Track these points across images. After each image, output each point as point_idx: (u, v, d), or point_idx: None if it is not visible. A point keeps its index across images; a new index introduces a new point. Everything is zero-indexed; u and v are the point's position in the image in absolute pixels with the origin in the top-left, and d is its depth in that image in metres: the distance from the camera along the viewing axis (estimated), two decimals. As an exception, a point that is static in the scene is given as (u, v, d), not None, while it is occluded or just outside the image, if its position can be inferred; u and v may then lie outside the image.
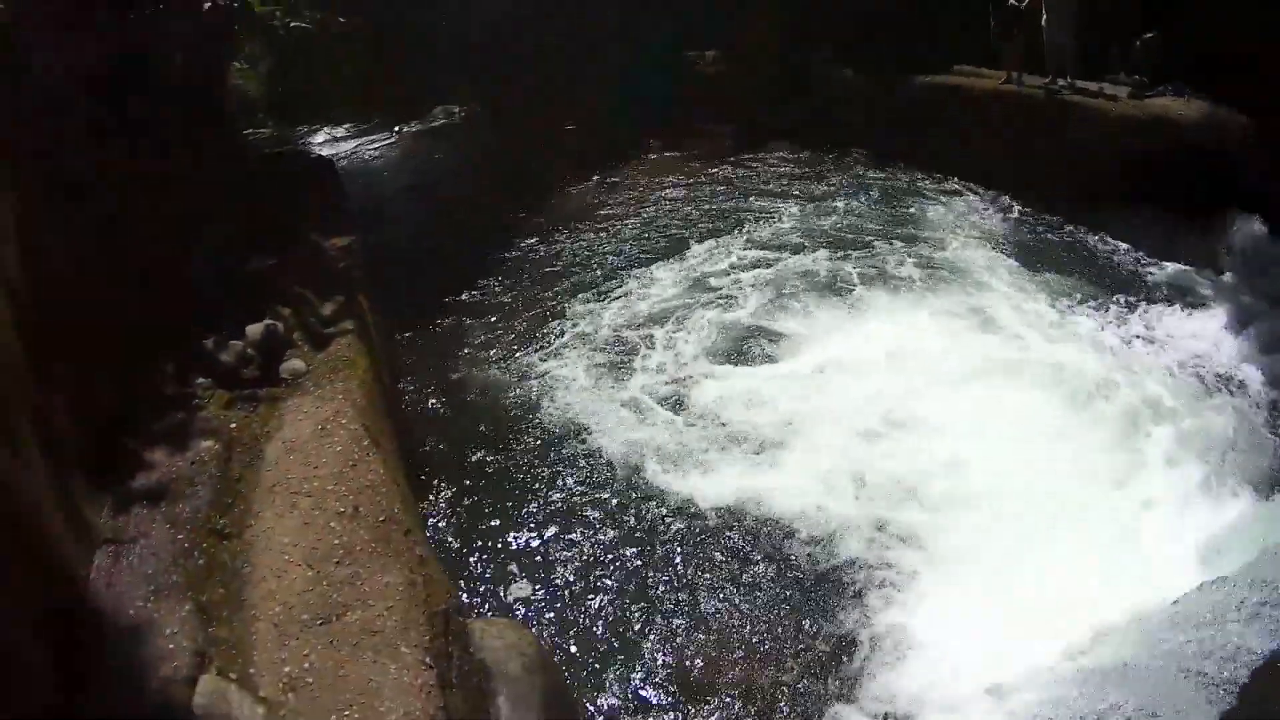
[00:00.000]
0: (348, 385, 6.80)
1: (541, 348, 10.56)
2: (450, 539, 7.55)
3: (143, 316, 6.61)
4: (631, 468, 8.38)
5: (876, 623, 6.73)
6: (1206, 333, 10.28)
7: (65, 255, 5.63)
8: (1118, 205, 12.62)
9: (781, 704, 6.14)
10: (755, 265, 12.54)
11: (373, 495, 5.61)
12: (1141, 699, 5.54)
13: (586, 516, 7.80)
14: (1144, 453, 8.32)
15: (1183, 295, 11.20)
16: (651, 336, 10.70)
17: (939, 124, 15.78)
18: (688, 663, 6.44)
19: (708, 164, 17.00)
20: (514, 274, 12.61)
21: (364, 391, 6.88)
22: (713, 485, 8.15)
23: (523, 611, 6.85)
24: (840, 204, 14.74)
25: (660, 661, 6.44)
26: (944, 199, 14.66)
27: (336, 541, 5.18)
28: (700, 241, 13.44)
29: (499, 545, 7.52)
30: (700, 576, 7.18)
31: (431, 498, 7.98)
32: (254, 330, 6.96)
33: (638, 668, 6.39)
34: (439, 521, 7.73)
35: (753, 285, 11.94)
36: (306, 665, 4.35)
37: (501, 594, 7.03)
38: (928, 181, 15.43)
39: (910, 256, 12.53)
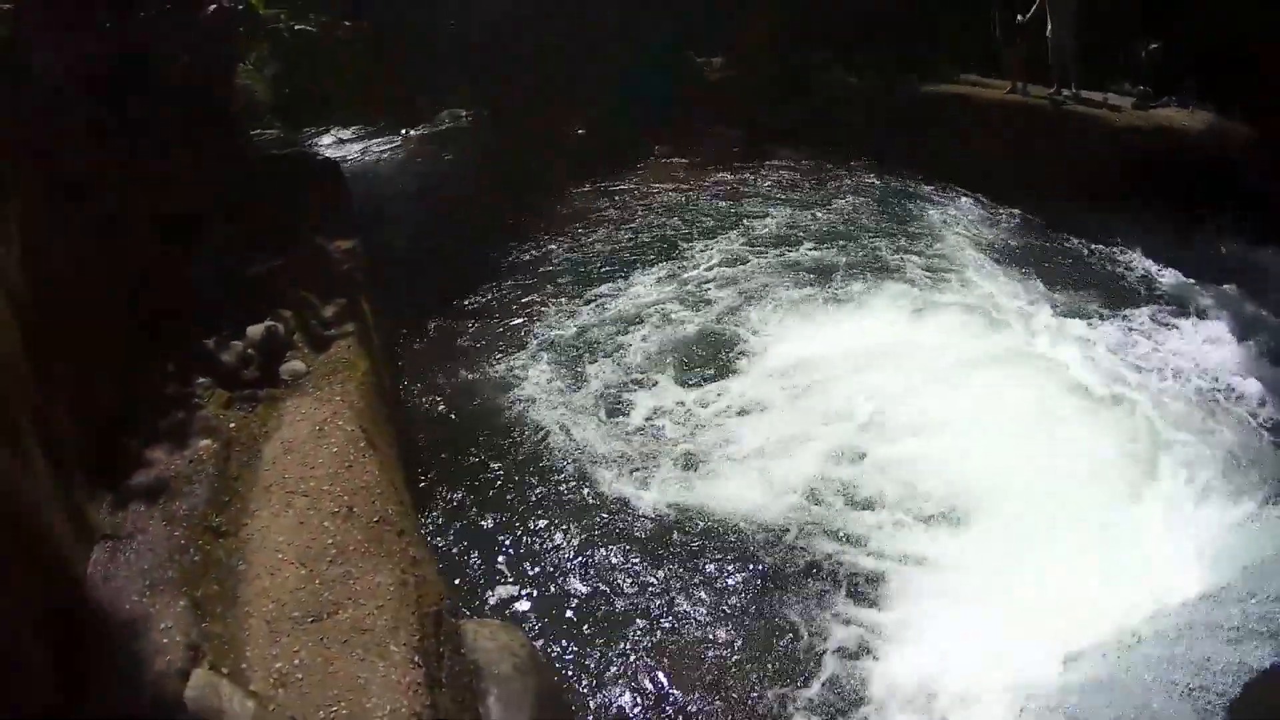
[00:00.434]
0: (346, 387, 6.89)
1: (542, 351, 10.58)
2: (446, 540, 7.58)
3: (143, 316, 6.71)
4: (633, 473, 8.41)
5: (865, 625, 6.72)
6: (1206, 341, 10.24)
7: (66, 255, 5.71)
8: (1120, 214, 12.55)
9: (773, 704, 6.16)
10: (756, 266, 12.55)
11: (367, 496, 5.69)
12: (1133, 711, 5.58)
13: (585, 521, 7.81)
14: (1142, 461, 8.28)
15: (1183, 304, 11.15)
16: (655, 340, 10.70)
17: (942, 129, 15.73)
18: (683, 669, 6.42)
19: (710, 167, 16.98)
20: (516, 277, 12.63)
21: (363, 394, 6.96)
22: (716, 490, 8.16)
23: (517, 613, 6.86)
24: (839, 208, 14.71)
25: (654, 667, 6.43)
26: (945, 205, 14.61)
27: (330, 541, 5.25)
28: (701, 243, 13.47)
29: (495, 547, 7.54)
30: (696, 582, 7.18)
31: (429, 499, 8.00)
32: (255, 331, 7.05)
33: (631, 672, 6.40)
34: (435, 523, 7.76)
35: (753, 283, 12.00)
36: (297, 661, 4.44)
37: (496, 595, 7.04)
38: (929, 187, 15.34)
39: (908, 259, 12.50)
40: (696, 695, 6.24)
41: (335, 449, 6.10)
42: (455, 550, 7.51)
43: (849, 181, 15.88)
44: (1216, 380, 9.54)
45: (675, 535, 7.64)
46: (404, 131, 20.25)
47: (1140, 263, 12.33)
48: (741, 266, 12.62)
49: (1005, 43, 15.15)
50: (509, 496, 8.17)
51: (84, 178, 6.24)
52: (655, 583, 7.17)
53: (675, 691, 6.26)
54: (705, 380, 9.84)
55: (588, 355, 10.43)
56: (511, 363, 10.33)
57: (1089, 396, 9.28)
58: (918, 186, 15.46)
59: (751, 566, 7.31)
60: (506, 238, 13.97)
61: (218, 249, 7.82)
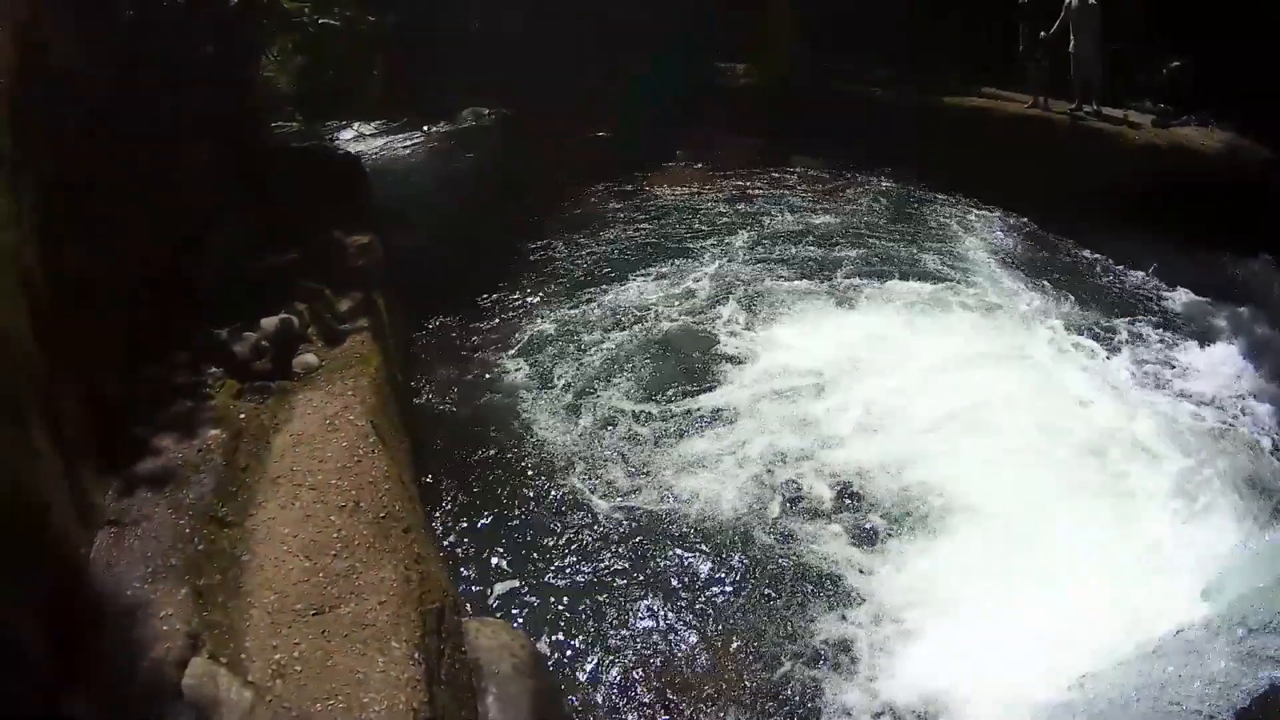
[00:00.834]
0: (359, 382, 6.90)
1: (556, 351, 10.57)
2: (451, 537, 7.57)
3: (155, 306, 6.72)
4: (643, 476, 8.38)
5: (858, 647, 6.64)
6: (1216, 361, 10.18)
7: (79, 243, 5.72)
8: (1135, 232, 12.47)
9: (773, 711, 6.14)
10: (768, 270, 12.60)
11: (375, 491, 5.69)
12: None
13: (590, 523, 7.79)
14: (1146, 481, 8.19)
15: (1195, 323, 11.12)
16: (670, 341, 10.70)
17: (962, 143, 15.65)
18: (683, 673, 6.39)
19: (730, 174, 16.96)
20: (533, 276, 12.62)
21: (374, 388, 6.97)
22: (724, 493, 8.13)
23: (519, 612, 6.83)
24: (854, 217, 14.72)
25: (655, 670, 6.40)
26: (962, 217, 14.56)
27: (336, 535, 5.26)
28: (719, 244, 13.53)
29: (499, 546, 7.52)
30: (699, 587, 7.15)
31: (436, 496, 8.00)
32: (269, 323, 7.07)
33: (631, 675, 6.36)
34: (441, 519, 7.76)
35: (764, 286, 12.05)
36: (296, 653, 4.44)
37: (498, 594, 7.03)
38: (946, 198, 15.33)
39: (920, 271, 12.49)
40: (695, 700, 6.20)
41: (345, 443, 6.11)
42: (459, 547, 7.50)
43: (866, 191, 15.88)
44: (1225, 401, 9.50)
45: (681, 540, 7.60)
46: (426, 128, 20.25)
47: (1153, 281, 12.32)
48: (762, 268, 12.70)
49: (1028, 57, 15.14)
50: (516, 496, 8.15)
51: (100, 167, 6.26)
52: (658, 586, 7.14)
53: (674, 695, 6.22)
54: (716, 382, 9.83)
55: (602, 356, 10.40)
56: (524, 361, 10.32)
57: (1093, 413, 9.23)
58: (935, 198, 15.43)
59: (756, 572, 7.27)
60: (525, 237, 13.98)
61: (233, 240, 7.84)
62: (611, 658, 6.51)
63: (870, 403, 9.29)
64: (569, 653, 6.54)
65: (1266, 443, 8.79)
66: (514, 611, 6.86)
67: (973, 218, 14.53)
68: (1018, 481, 8.16)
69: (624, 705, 6.18)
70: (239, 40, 9.27)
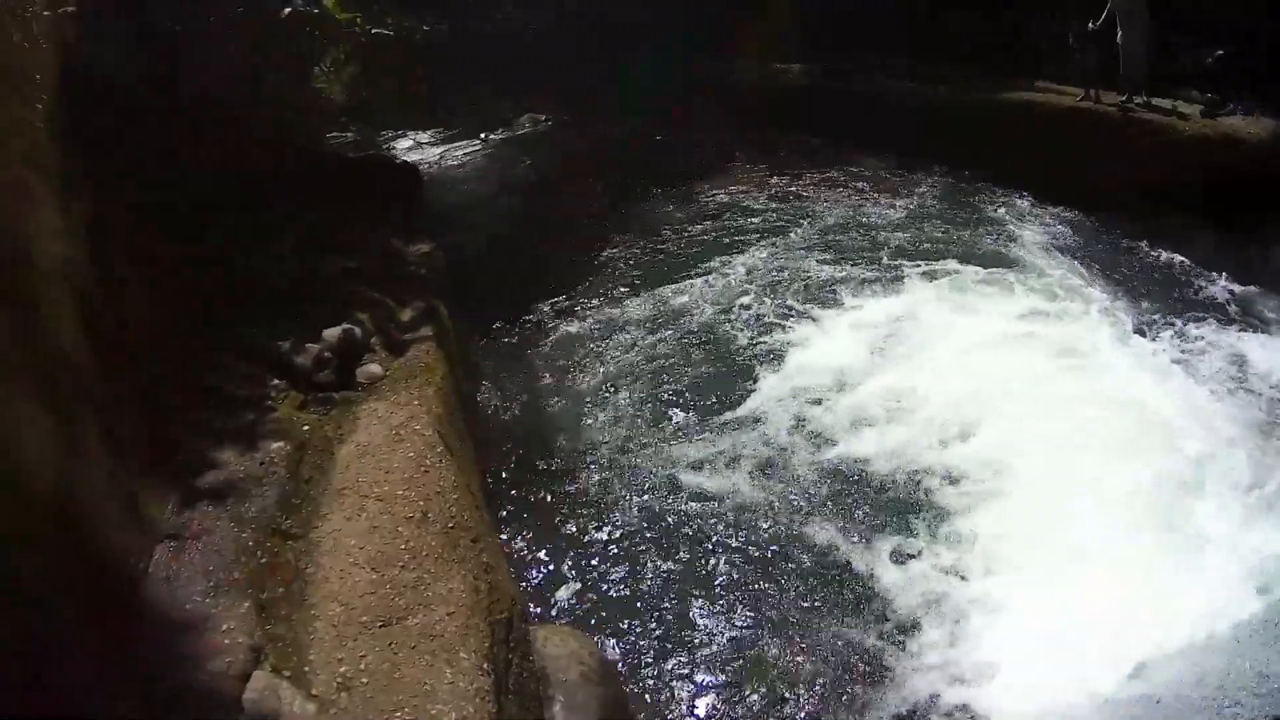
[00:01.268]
0: (424, 391, 6.81)
1: (618, 351, 10.46)
2: (521, 546, 7.45)
3: (216, 316, 6.68)
4: (714, 478, 8.19)
5: (923, 639, 6.53)
6: (1269, 353, 9.78)
7: (136, 254, 5.69)
8: (1187, 222, 12.29)
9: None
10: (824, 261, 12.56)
11: (442, 501, 5.58)
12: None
13: (660, 528, 7.63)
14: (1200, 473, 7.86)
15: (1248, 316, 10.74)
16: (738, 339, 10.58)
17: (1012, 135, 15.42)
18: (756, 686, 6.19)
19: (785, 173, 16.74)
20: (595, 281, 12.52)
21: (440, 398, 6.87)
22: (793, 495, 7.93)
23: (587, 620, 6.68)
24: (909, 211, 14.61)
25: (726, 680, 6.21)
26: (1017, 212, 14.28)
27: (403, 546, 5.15)
28: (774, 241, 13.50)
29: (568, 552, 7.38)
30: (773, 596, 6.93)
31: (502, 503, 7.89)
32: (331, 334, 7.00)
33: (701, 684, 6.19)
34: (511, 528, 7.64)
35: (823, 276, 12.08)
36: (362, 666, 4.32)
37: (566, 601, 6.90)
38: (1000, 192, 15.04)
39: (973, 265, 12.20)
40: (765, 713, 6.02)
41: (411, 453, 6.00)
42: (526, 554, 7.38)
43: (920, 185, 15.72)
44: (1277, 394, 9.13)
45: (755, 545, 7.41)
46: (483, 135, 20.31)
47: (1204, 272, 11.88)
48: (816, 260, 12.72)
49: (1078, 49, 14.92)
50: (583, 501, 8.02)
51: (157, 177, 6.24)
52: (732, 594, 6.96)
53: (745, 708, 6.04)
54: (791, 381, 9.66)
55: (662, 357, 10.28)
56: (587, 365, 10.23)
57: (1143, 404, 8.91)
58: (989, 191, 15.16)
59: (826, 580, 7.08)
60: (583, 240, 13.92)
61: (296, 251, 7.80)
62: (680, 663, 6.35)
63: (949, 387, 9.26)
64: (638, 658, 6.38)
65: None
66: (581, 617, 6.72)
67: (1028, 213, 14.24)
68: (1071, 468, 7.97)
69: (693, 711, 6.03)
70: (290, 50, 9.27)
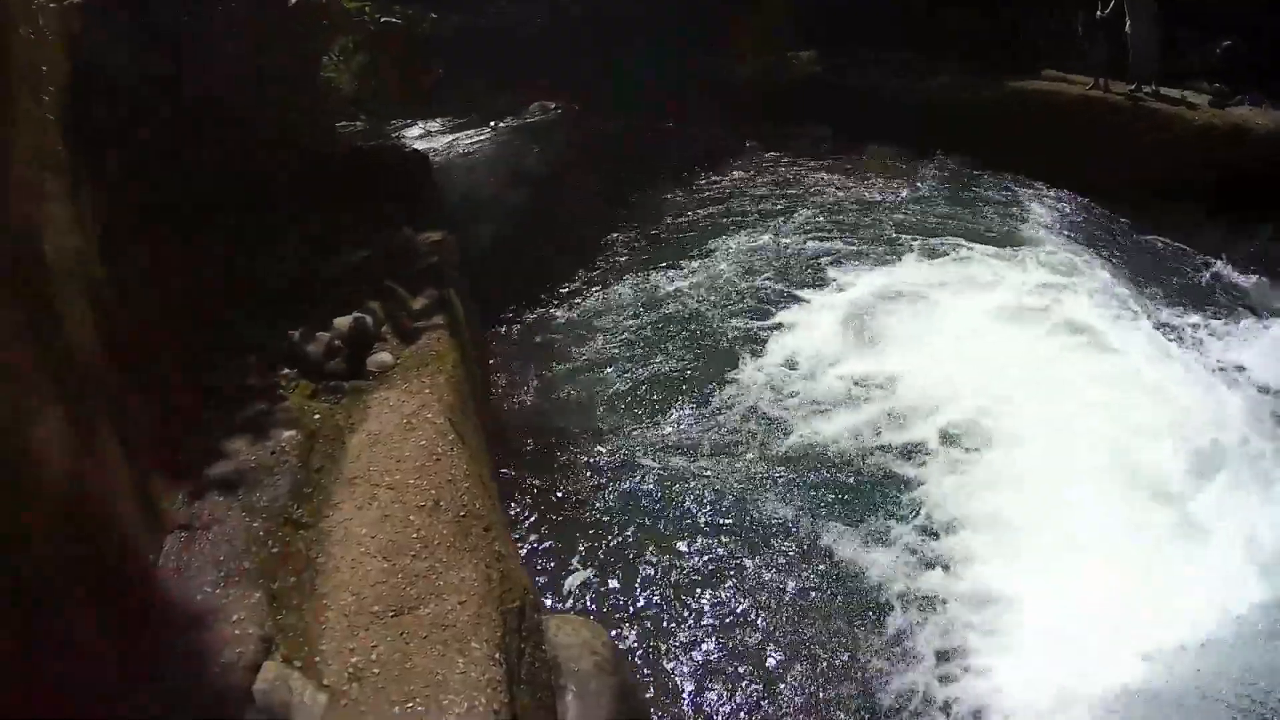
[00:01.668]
0: (435, 380, 6.78)
1: (629, 337, 10.54)
2: (534, 535, 7.49)
3: (227, 307, 6.69)
4: (724, 467, 8.21)
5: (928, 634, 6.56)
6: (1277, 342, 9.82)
7: (147, 248, 5.69)
8: (1195, 212, 12.50)
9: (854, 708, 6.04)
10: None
11: (454, 490, 5.56)
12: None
13: (672, 517, 7.67)
14: (1208, 464, 7.84)
15: (1257, 304, 10.92)
16: (742, 326, 10.69)
17: (1021, 126, 15.58)
18: (769, 674, 6.27)
19: (792, 162, 16.91)
20: (605, 269, 12.62)
21: (451, 386, 6.85)
22: (814, 481, 8.02)
23: (600, 609, 6.76)
24: (917, 198, 14.72)
25: (739, 670, 6.27)
26: (1026, 199, 14.32)
27: (415, 535, 5.14)
28: (783, 227, 13.63)
29: (580, 541, 7.44)
30: (786, 585, 6.99)
31: (515, 491, 7.93)
32: (342, 323, 6.99)
33: (714, 673, 6.25)
34: (521, 514, 7.68)
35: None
36: (374, 656, 4.31)
37: (579, 590, 6.95)
38: (1013, 181, 15.10)
39: (979, 253, 12.24)
40: (779, 701, 6.07)
41: (423, 442, 5.98)
42: (539, 542, 7.44)
43: (929, 175, 15.82)
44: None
45: (766, 533, 7.47)
46: (493, 124, 20.33)
47: (1212, 260, 12.01)
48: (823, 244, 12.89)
49: (1087, 39, 14.89)
50: (594, 488, 8.09)
51: (166, 170, 6.24)
52: (744, 583, 7.00)
53: (759, 697, 6.10)
54: (792, 365, 9.79)
55: (675, 347, 10.30)
56: (599, 352, 10.33)
57: (1154, 390, 8.95)
58: (996, 180, 15.20)
59: (839, 570, 7.13)
60: (593, 229, 14.08)
61: (307, 240, 7.80)
62: (693, 652, 6.40)
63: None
64: (651, 647, 6.43)
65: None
66: (593, 606, 6.77)
67: (1036, 199, 14.28)
68: (1078, 456, 8.04)
69: (706, 699, 6.08)
70: (295, 52, 9.23)
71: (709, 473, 8.17)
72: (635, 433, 8.79)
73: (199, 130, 7.09)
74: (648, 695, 5.99)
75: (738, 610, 6.74)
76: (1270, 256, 11.68)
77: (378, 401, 6.46)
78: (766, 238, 13.05)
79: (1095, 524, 7.20)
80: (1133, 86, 14.56)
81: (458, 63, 20.73)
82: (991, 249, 11.96)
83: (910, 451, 8.37)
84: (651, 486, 8.01)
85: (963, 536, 7.31)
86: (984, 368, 9.27)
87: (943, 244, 12.34)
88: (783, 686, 6.16)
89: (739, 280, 11.77)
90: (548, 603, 6.53)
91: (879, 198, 14.64)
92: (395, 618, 4.57)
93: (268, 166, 7.77)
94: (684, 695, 6.11)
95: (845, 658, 6.37)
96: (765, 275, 11.81)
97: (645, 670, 6.24)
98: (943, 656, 6.34)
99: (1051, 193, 14.35)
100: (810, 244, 12.69)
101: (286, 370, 6.51)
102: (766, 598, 6.86)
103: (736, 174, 16.43)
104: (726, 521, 7.59)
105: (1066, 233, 12.77)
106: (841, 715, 5.99)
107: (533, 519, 7.68)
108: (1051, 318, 10.29)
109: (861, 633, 6.57)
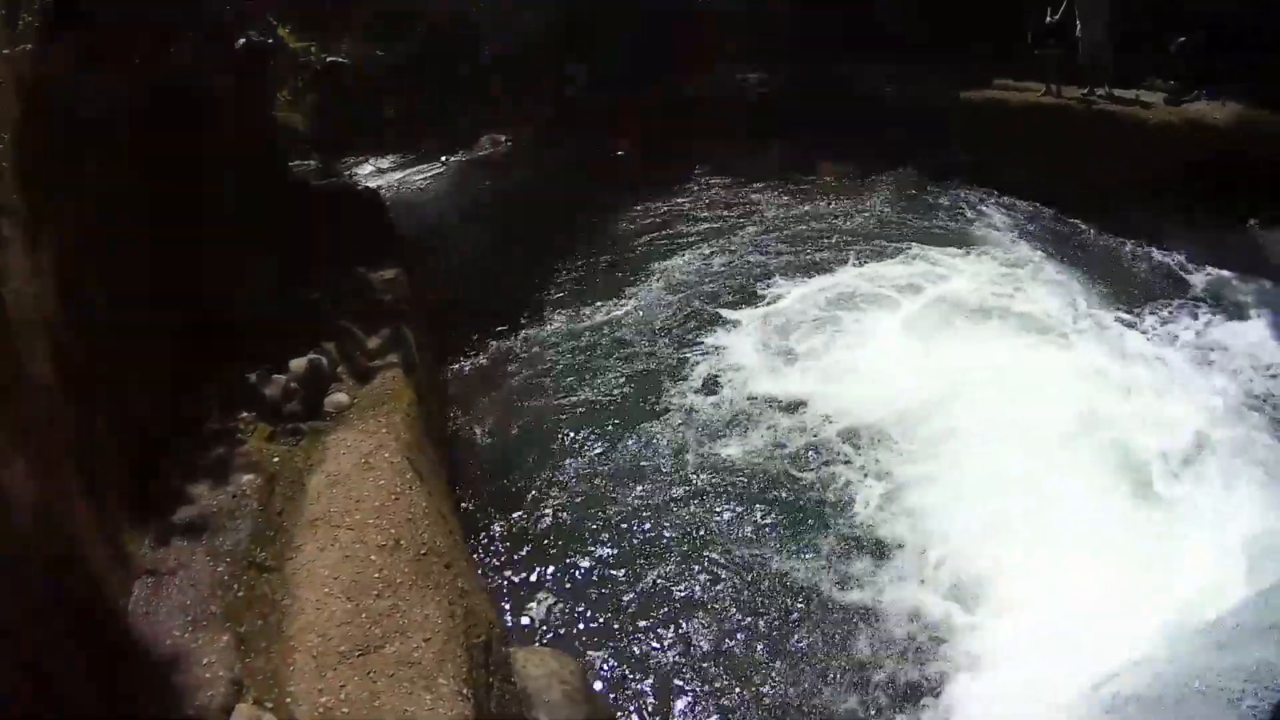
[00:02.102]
0: (391, 418, 6.83)
1: (584, 367, 10.61)
2: (497, 569, 7.52)
3: (185, 349, 6.69)
4: (681, 498, 8.29)
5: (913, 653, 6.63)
6: (1247, 340, 10.00)
7: (106, 289, 5.70)
8: (1156, 210, 12.57)
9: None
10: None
11: (414, 528, 5.61)
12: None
13: (632, 546, 7.73)
14: (1181, 462, 8.05)
15: (1220, 300, 11.00)
16: (705, 358, 10.75)
17: (978, 133, 15.83)
18: (737, 699, 6.31)
19: (749, 182, 17.05)
20: (561, 302, 12.63)
21: (408, 425, 6.90)
22: (761, 507, 8.10)
23: (567, 640, 6.77)
24: (872, 207, 15.03)
25: (707, 695, 6.32)
26: (980, 205, 14.63)
27: (377, 574, 5.17)
28: (738, 244, 13.97)
29: (545, 574, 7.48)
30: (748, 609, 7.06)
31: (477, 527, 7.96)
32: (298, 365, 7.03)
33: (682, 700, 6.29)
34: (484, 550, 7.71)
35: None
36: (342, 695, 4.35)
37: (546, 622, 6.98)
38: (967, 190, 15.33)
39: (941, 258, 12.56)
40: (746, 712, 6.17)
41: (381, 481, 6.02)
42: (503, 577, 7.46)
43: (883, 185, 16.09)
44: (1253, 378, 9.35)
45: (723, 561, 7.53)
46: (444, 158, 20.33)
47: (1176, 258, 12.20)
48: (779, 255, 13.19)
49: (1037, 44, 15.02)
50: (556, 522, 8.13)
51: (126, 210, 6.24)
52: (708, 609, 7.06)
53: (725, 709, 6.20)
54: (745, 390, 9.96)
55: (616, 378, 10.43)
56: (556, 384, 10.37)
57: (1123, 390, 9.15)
58: (952, 188, 15.44)
59: (803, 592, 7.19)
60: (546, 261, 14.04)
61: (261, 281, 7.81)
62: (661, 678, 6.45)
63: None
64: (619, 675, 6.47)
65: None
66: (562, 637, 6.80)
67: (991, 206, 14.59)
68: (1052, 460, 8.16)
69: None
70: (253, 81, 9.27)
71: (657, 498, 8.31)
72: (586, 463, 8.86)
73: (161, 165, 7.10)
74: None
75: (710, 640, 6.79)
76: (1234, 249, 11.81)
77: (335, 442, 6.49)
78: (716, 258, 13.31)
79: (1070, 521, 7.40)
80: (1085, 90, 14.56)
81: (409, 97, 20.76)
82: (948, 250, 12.35)
83: (825, 461, 8.64)
84: (610, 516, 8.08)
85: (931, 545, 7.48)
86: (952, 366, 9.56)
87: (895, 248, 12.72)
88: (747, 695, 6.28)
89: (680, 302, 12.09)
90: (513, 635, 6.56)
91: (826, 210, 14.94)
92: (361, 657, 4.60)
93: (223, 207, 7.77)
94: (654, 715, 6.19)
95: (810, 669, 6.48)
96: (704, 296, 12.13)
97: (617, 696, 6.28)
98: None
99: (1007, 199, 14.65)
100: (753, 258, 13.00)
101: (244, 413, 6.52)
102: (742, 627, 6.92)
103: (681, 198, 16.53)
104: (685, 547, 7.70)
105: (1024, 239, 13.08)
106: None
107: (496, 551, 7.71)
108: (1008, 318, 10.61)
109: (821, 643, 6.68)
